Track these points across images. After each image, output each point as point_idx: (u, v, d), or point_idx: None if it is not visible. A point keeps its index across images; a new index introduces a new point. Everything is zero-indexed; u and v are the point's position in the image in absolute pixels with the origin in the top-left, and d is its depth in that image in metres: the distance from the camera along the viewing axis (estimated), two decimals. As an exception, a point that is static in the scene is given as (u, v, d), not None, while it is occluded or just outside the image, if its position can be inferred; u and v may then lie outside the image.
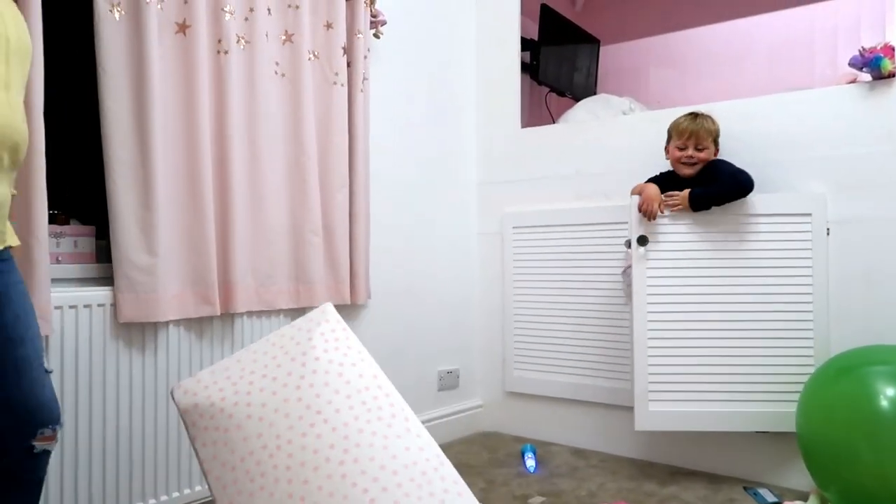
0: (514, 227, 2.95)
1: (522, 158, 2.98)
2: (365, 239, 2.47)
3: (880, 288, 2.15)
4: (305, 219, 2.25)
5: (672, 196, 2.31)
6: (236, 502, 1.21)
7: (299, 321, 1.47)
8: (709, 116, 2.35)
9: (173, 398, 1.34)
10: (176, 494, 1.94)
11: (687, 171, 2.33)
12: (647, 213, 2.30)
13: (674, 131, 2.38)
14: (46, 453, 1.27)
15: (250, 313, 2.14)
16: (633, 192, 2.40)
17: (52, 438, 1.26)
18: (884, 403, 1.77)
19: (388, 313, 2.66)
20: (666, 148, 2.42)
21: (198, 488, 1.98)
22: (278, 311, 2.22)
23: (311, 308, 2.26)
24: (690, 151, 2.31)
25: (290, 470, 1.20)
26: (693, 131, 2.31)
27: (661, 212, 2.30)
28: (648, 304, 2.30)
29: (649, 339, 2.29)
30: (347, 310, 2.46)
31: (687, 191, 2.29)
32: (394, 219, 2.70)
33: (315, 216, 2.28)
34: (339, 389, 1.31)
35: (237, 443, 1.25)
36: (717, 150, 2.36)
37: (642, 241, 2.31)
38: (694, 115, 2.36)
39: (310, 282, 2.26)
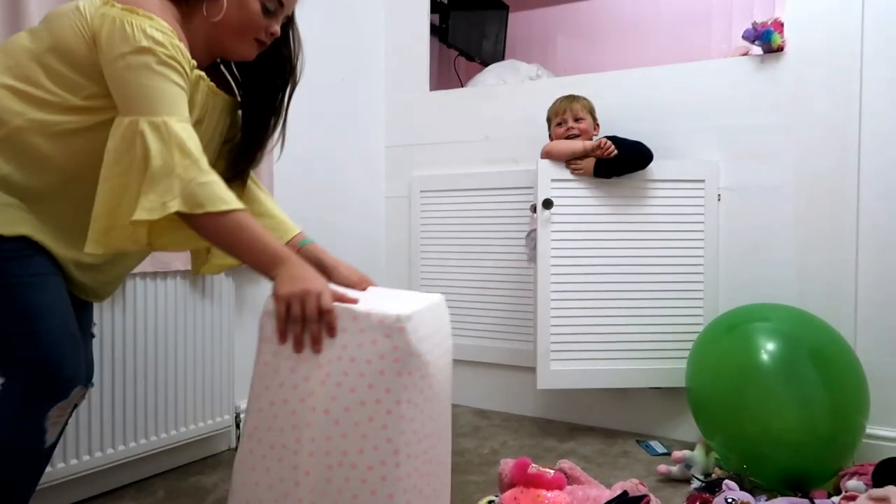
0: (422, 191, 2.93)
1: (431, 122, 2.96)
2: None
3: (765, 251, 2.28)
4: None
5: (577, 163, 2.36)
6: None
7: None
8: (580, 95, 2.45)
9: (407, 332, 1.10)
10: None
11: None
12: (600, 151, 2.30)
13: (551, 114, 2.47)
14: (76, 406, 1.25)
15: (143, 274, 2.03)
16: (542, 154, 2.43)
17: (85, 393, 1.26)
18: (764, 357, 1.89)
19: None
20: (550, 136, 2.48)
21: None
22: (174, 273, 2.11)
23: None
24: (570, 123, 2.39)
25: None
26: (566, 106, 2.42)
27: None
28: (552, 265, 2.36)
29: (552, 299, 2.35)
30: (248, 273, 2.38)
31: (591, 158, 2.34)
32: (299, 182, 2.62)
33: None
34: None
35: (427, 416, 1.15)
36: (596, 124, 2.44)
37: (547, 204, 2.35)
38: (566, 96, 2.47)
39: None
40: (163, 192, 1.07)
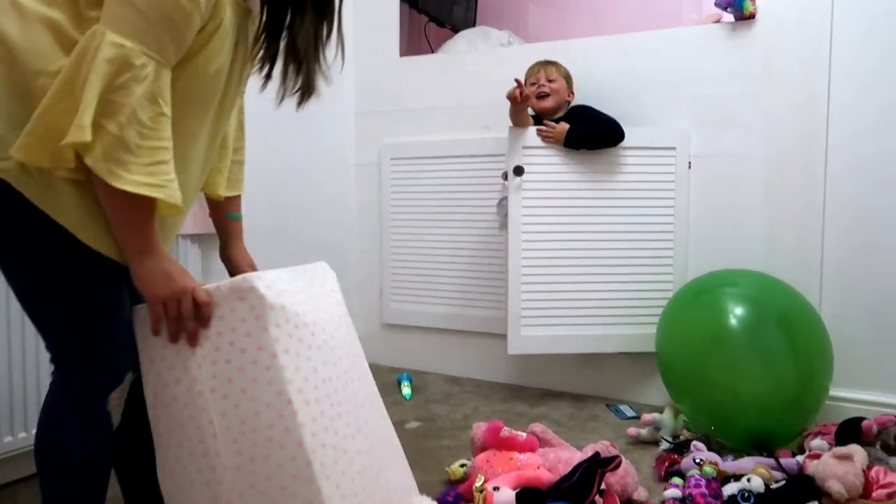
0: (392, 159, 2.90)
1: (401, 89, 2.91)
2: (235, 164, 2.32)
3: (734, 218, 2.31)
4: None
5: (548, 129, 2.34)
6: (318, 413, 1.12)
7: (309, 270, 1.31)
8: (555, 61, 2.45)
9: (258, 288, 1.10)
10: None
11: (544, 104, 2.38)
12: (515, 92, 2.27)
13: (526, 76, 2.45)
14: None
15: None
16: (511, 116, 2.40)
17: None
18: (733, 322, 1.92)
19: (260, 245, 2.52)
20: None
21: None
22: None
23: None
24: (542, 81, 2.39)
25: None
26: (541, 68, 2.43)
27: (524, 97, 2.28)
28: (523, 232, 2.35)
29: (523, 266, 2.35)
30: (215, 239, 2.33)
31: (565, 125, 2.33)
32: (265, 147, 2.55)
33: (178, 137, 2.11)
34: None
35: (317, 362, 1.16)
36: (571, 91, 2.44)
37: (518, 171, 2.34)
38: (541, 60, 2.46)
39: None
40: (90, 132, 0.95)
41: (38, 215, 1.02)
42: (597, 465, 1.45)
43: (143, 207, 1.01)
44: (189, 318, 1.08)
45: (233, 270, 1.37)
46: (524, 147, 2.35)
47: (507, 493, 1.45)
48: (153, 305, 1.07)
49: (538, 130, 2.35)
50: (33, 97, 0.98)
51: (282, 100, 1.27)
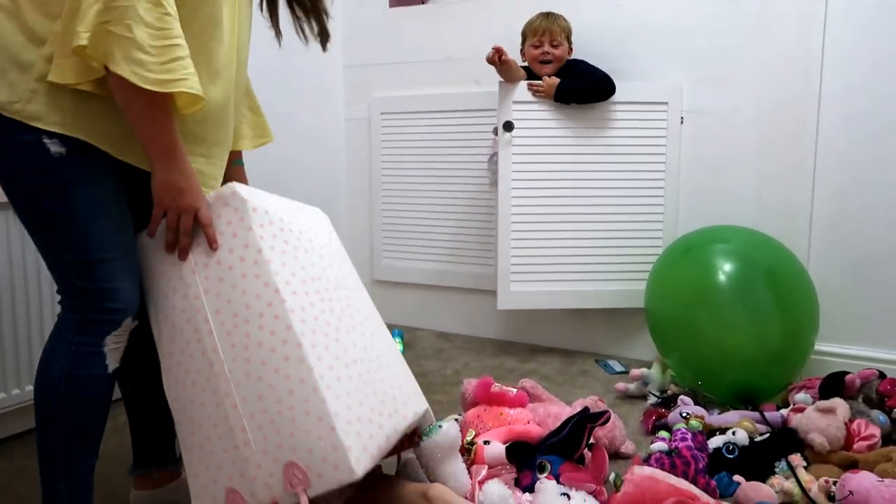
0: (382, 113, 2.85)
1: (391, 41, 2.85)
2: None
3: (725, 174, 2.30)
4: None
5: (538, 84, 2.31)
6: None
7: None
8: (560, 15, 2.37)
9: (239, 193, 1.19)
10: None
11: (545, 70, 2.34)
12: (493, 57, 2.24)
13: (528, 31, 2.38)
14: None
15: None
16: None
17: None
18: (721, 278, 1.93)
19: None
20: (522, 51, 2.42)
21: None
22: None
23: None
24: (546, 48, 2.33)
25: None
26: (546, 28, 2.33)
27: (503, 61, 2.25)
28: (513, 188, 2.34)
29: (513, 222, 2.34)
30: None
31: (555, 80, 2.29)
32: (253, 100, 2.51)
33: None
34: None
35: (304, 262, 1.22)
36: (570, 48, 2.38)
37: (508, 126, 2.31)
38: (546, 14, 2.37)
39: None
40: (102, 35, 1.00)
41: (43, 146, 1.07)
42: (586, 420, 1.47)
43: (164, 107, 1.07)
44: (185, 234, 1.15)
45: None
46: (514, 102, 2.32)
47: (497, 447, 1.47)
48: (157, 208, 1.15)
49: (529, 85, 2.32)
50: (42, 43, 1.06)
51: (306, 43, 1.45)
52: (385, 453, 1.19)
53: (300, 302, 1.16)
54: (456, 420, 1.77)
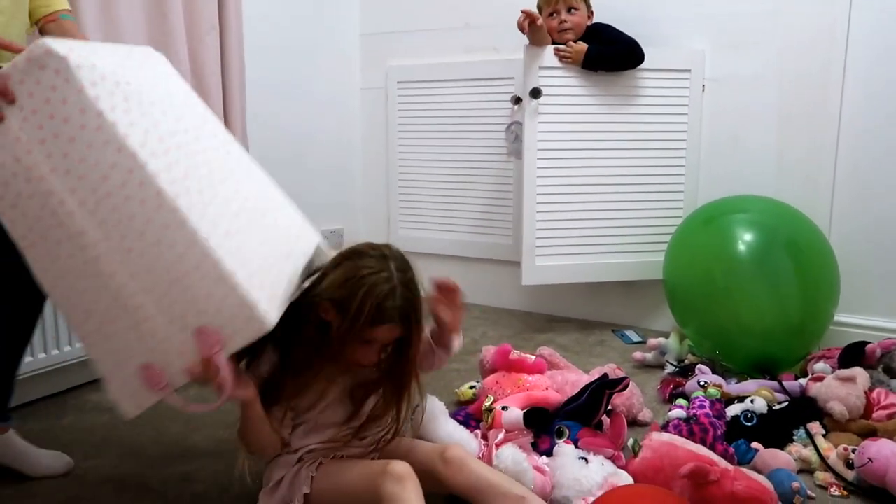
0: (399, 82, 2.84)
1: (408, 8, 2.82)
2: (240, 88, 2.28)
3: (745, 142, 2.27)
4: (170, 63, 2.03)
5: (566, 49, 2.25)
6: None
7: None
8: None
9: (55, 50, 1.02)
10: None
11: (567, 37, 2.27)
12: (523, 22, 2.18)
13: (542, 2, 2.32)
14: None
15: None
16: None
17: None
18: (740, 248, 1.92)
19: (267, 171, 2.52)
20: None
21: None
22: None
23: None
24: (563, 16, 2.27)
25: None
26: None
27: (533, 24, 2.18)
28: (538, 159, 2.28)
29: (538, 194, 2.29)
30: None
31: (583, 45, 2.23)
32: (270, 71, 2.51)
33: (182, 60, 2.06)
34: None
35: (154, 117, 1.10)
36: (590, 12, 2.33)
37: (535, 93, 2.24)
38: None
39: (179, 132, 2.08)
40: None
41: None
42: (604, 387, 1.48)
43: None
44: None
45: None
46: (541, 67, 2.24)
47: (515, 413, 1.49)
48: None
49: (556, 50, 2.25)
50: None
51: None
52: (292, 298, 1.14)
53: (163, 162, 1.04)
54: (474, 387, 1.80)
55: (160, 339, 1.05)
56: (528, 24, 2.17)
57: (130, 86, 1.08)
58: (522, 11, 2.16)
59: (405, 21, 2.83)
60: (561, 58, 2.26)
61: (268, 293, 1.07)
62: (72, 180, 1.03)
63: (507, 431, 1.46)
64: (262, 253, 1.12)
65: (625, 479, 1.29)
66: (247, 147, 2.33)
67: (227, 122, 2.24)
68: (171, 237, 1.03)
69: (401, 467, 1.12)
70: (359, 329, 1.12)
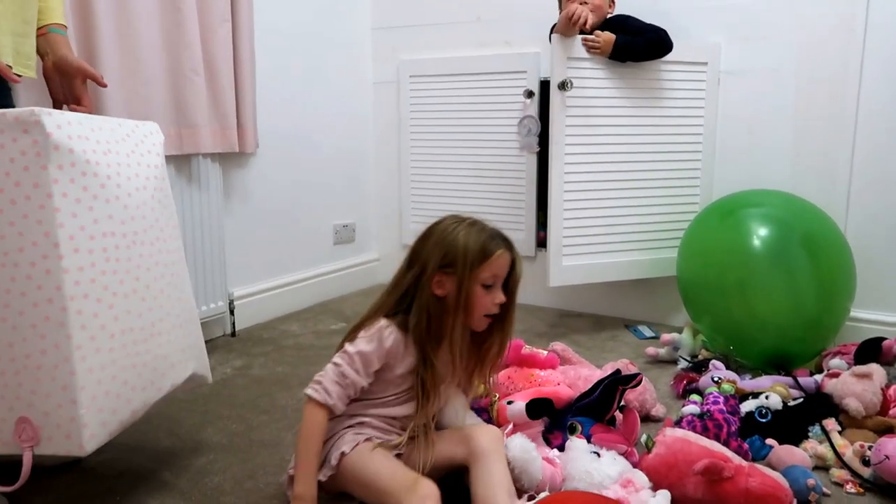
0: (411, 76, 2.83)
1: (420, 2, 2.81)
2: (251, 80, 2.28)
3: (760, 136, 2.25)
4: (183, 55, 2.04)
5: (594, 39, 2.17)
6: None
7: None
8: None
9: (44, 124, 1.06)
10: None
11: (592, 20, 2.20)
12: (575, 20, 2.11)
13: None
14: None
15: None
16: (555, 31, 2.21)
17: None
18: (755, 242, 1.90)
19: (279, 166, 2.54)
20: (560, 10, 2.30)
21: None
22: (159, 158, 2.05)
23: (195, 155, 2.11)
24: None
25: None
26: None
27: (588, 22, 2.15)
28: (566, 153, 2.20)
29: (565, 191, 2.22)
30: (235, 158, 2.32)
31: (611, 35, 2.17)
32: (282, 65, 2.51)
33: (194, 52, 2.06)
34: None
35: (100, 214, 1.14)
36: (612, 1, 2.30)
37: (563, 85, 2.16)
38: None
39: (192, 125, 2.08)
40: None
41: None
42: (617, 382, 1.47)
43: None
44: None
45: (67, 67, 1.34)
46: (569, 58, 2.16)
47: (519, 405, 1.47)
48: None
49: (584, 40, 2.17)
50: None
51: None
52: (126, 426, 1.20)
53: (80, 261, 1.09)
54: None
55: None
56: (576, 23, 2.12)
57: (96, 178, 1.13)
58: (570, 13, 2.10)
59: (417, 15, 2.82)
60: (589, 48, 2.17)
61: (103, 419, 1.12)
62: None
63: (515, 425, 1.46)
64: (122, 378, 1.16)
65: (639, 477, 1.28)
66: (256, 142, 2.34)
67: (238, 116, 2.25)
68: (46, 329, 1.07)
69: (428, 489, 1.15)
70: (475, 271, 1.24)
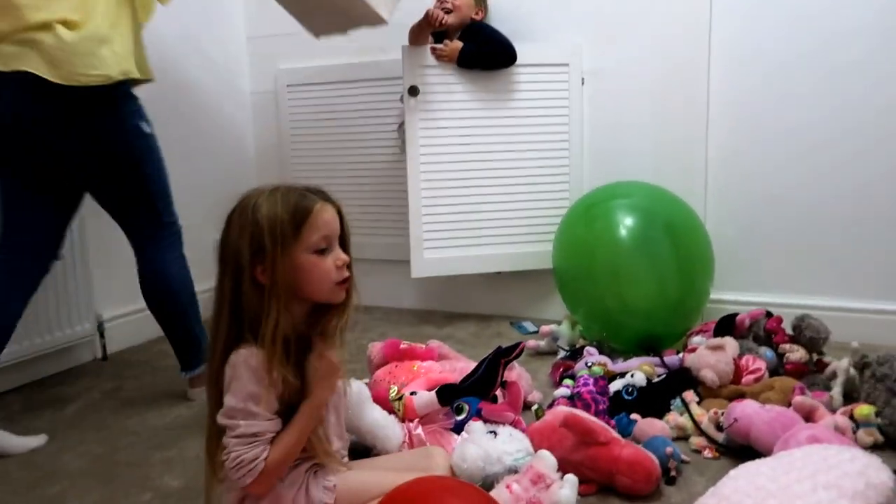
0: (289, 86, 2.80)
1: (295, 11, 2.78)
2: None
3: (624, 132, 2.36)
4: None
5: (442, 47, 2.31)
6: None
7: None
8: None
9: None
10: None
11: (450, 20, 2.30)
12: (431, 18, 2.26)
13: None
14: None
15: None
16: (410, 29, 2.34)
17: None
18: (621, 232, 1.98)
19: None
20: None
21: None
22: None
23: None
24: None
25: None
26: None
27: (444, 22, 2.27)
28: (421, 154, 2.33)
29: (423, 188, 2.34)
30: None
31: (458, 44, 2.29)
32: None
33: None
34: None
35: None
36: (480, 8, 2.38)
37: (413, 91, 2.30)
38: None
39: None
40: None
41: None
42: (500, 356, 1.50)
43: None
44: None
45: None
46: (420, 66, 2.30)
47: (426, 395, 1.48)
48: None
49: (432, 49, 2.31)
50: None
51: None
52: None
53: None
54: (366, 384, 1.77)
55: None
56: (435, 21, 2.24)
57: None
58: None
59: (293, 23, 2.77)
60: (437, 56, 2.31)
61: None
62: None
63: (420, 416, 1.46)
64: None
65: (548, 464, 1.23)
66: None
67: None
68: None
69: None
70: (297, 239, 1.04)
